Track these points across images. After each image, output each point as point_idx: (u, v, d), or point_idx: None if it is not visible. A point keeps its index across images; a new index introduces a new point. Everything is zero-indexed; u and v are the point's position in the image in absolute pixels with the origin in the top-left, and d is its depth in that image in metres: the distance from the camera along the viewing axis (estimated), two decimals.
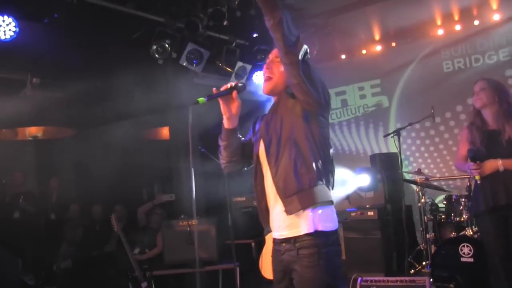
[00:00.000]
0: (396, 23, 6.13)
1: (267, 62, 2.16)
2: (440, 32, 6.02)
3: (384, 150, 6.38)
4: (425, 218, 4.74)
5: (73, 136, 6.36)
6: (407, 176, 5.25)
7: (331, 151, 2.10)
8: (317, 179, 1.97)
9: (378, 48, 6.56)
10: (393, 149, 5.30)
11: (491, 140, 3.08)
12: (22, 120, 5.20)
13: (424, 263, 4.78)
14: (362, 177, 5.19)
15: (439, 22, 5.96)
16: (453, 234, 4.32)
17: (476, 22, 5.74)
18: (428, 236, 4.64)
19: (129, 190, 6.17)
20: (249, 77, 6.17)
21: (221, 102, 2.09)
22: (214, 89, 2.07)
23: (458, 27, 5.89)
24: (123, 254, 4.48)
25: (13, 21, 3.95)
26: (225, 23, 4.90)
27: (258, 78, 6.29)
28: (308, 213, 1.95)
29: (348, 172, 5.29)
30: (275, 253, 2.11)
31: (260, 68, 6.43)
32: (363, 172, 5.22)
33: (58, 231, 5.81)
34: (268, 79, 2.13)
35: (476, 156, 3.06)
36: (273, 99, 2.19)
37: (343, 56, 6.86)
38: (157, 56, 4.95)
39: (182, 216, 4.59)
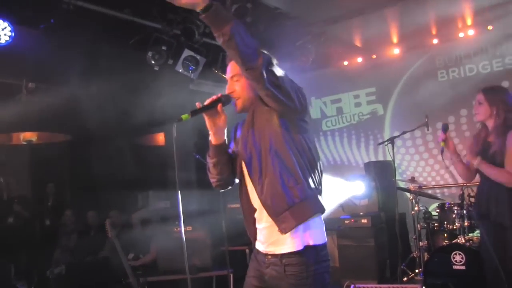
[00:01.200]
0: (391, 32, 6.18)
1: (228, 81, 2.03)
2: (435, 41, 6.09)
3: (380, 158, 6.41)
4: (419, 226, 4.76)
5: (68, 142, 6.35)
6: (401, 184, 5.27)
7: (318, 155, 1.99)
8: (307, 189, 1.86)
9: (373, 56, 6.61)
10: (388, 157, 5.33)
11: (485, 152, 3.09)
12: (17, 124, 5.20)
13: (417, 270, 4.79)
14: (356, 185, 5.22)
15: (434, 32, 6.03)
16: (445, 242, 4.34)
17: (471, 32, 5.81)
18: (421, 244, 4.65)
19: (124, 196, 6.16)
20: None
21: (205, 117, 1.95)
22: (197, 103, 1.93)
23: (453, 37, 5.95)
24: (117, 260, 4.47)
25: (8, 25, 3.97)
26: None
27: None
28: (300, 228, 1.84)
29: (342, 181, 5.32)
30: (257, 263, 2.00)
31: None
32: (357, 180, 5.24)
33: (53, 236, 5.79)
34: (235, 99, 2.00)
35: (446, 128, 3.16)
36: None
37: (338, 64, 6.92)
38: (153, 62, 4.97)
39: (177, 223, 4.59)
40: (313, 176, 1.91)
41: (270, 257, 1.92)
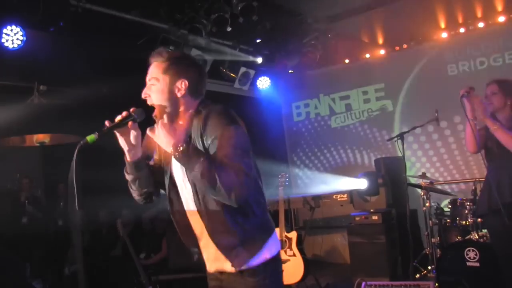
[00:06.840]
0: (399, 27, 6.12)
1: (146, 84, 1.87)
2: (444, 35, 6.00)
3: (393, 154, 6.32)
4: (430, 222, 4.71)
5: (80, 143, 6.47)
6: (412, 180, 5.23)
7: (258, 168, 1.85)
8: (256, 216, 1.77)
9: (382, 52, 6.56)
10: (399, 153, 5.29)
11: (501, 144, 3.02)
12: (29, 127, 5.28)
13: (429, 267, 4.75)
14: (360, 181, 5.19)
15: (443, 25, 5.94)
16: (458, 238, 4.30)
17: (481, 24, 5.72)
18: (433, 240, 4.61)
19: None
20: (253, 82, 6.21)
21: (117, 134, 1.79)
22: (106, 121, 1.75)
23: (462, 30, 5.86)
24: (129, 259, 4.52)
25: (20, 30, 4.03)
26: (228, 29, 4.94)
27: (262, 83, 6.34)
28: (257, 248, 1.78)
29: (348, 178, 5.31)
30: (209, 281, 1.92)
31: (264, 73, 6.47)
32: (363, 177, 5.21)
33: (66, 236, 5.87)
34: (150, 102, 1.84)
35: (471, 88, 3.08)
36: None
37: (346, 61, 6.88)
38: None
39: None
40: (260, 196, 1.82)
41: (226, 275, 1.83)
